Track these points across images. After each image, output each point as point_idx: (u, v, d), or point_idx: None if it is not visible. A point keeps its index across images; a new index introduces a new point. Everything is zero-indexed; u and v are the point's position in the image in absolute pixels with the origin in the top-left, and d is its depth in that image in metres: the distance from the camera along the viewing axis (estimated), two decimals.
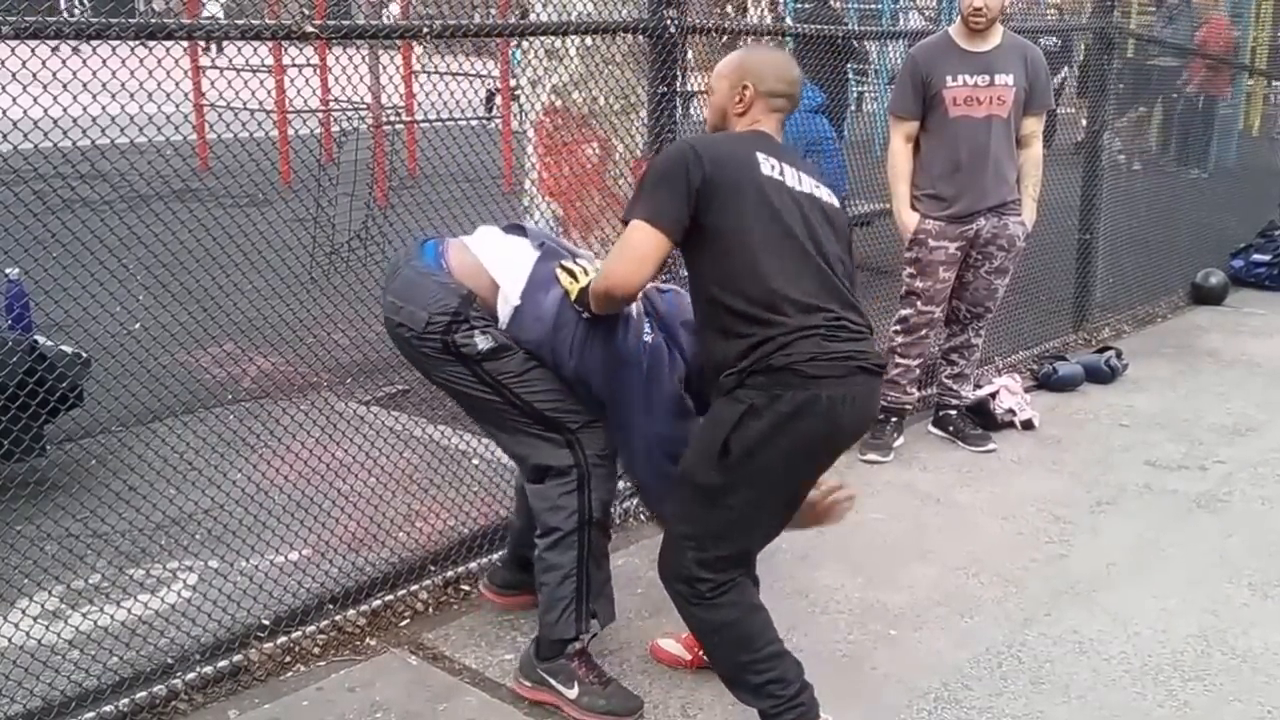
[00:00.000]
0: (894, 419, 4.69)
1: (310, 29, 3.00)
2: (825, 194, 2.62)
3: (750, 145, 2.55)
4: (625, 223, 2.51)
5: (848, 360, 2.43)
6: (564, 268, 2.71)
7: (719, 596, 2.53)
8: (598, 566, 2.84)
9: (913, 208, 4.51)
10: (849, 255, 2.66)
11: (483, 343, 2.69)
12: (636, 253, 2.46)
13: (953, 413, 4.80)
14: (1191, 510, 4.14)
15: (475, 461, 3.84)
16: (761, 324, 2.42)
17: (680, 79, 3.81)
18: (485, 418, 2.86)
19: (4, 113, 2.58)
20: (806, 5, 8.70)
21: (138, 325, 3.33)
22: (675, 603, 2.63)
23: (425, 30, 3.23)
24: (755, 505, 2.49)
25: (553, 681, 2.85)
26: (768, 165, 2.53)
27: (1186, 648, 3.20)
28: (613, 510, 3.01)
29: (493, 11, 9.22)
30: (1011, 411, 4.92)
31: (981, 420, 4.85)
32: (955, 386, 4.78)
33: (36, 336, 3.85)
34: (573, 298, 2.66)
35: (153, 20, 2.73)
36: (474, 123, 4.57)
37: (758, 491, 2.46)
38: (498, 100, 9.97)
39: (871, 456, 4.56)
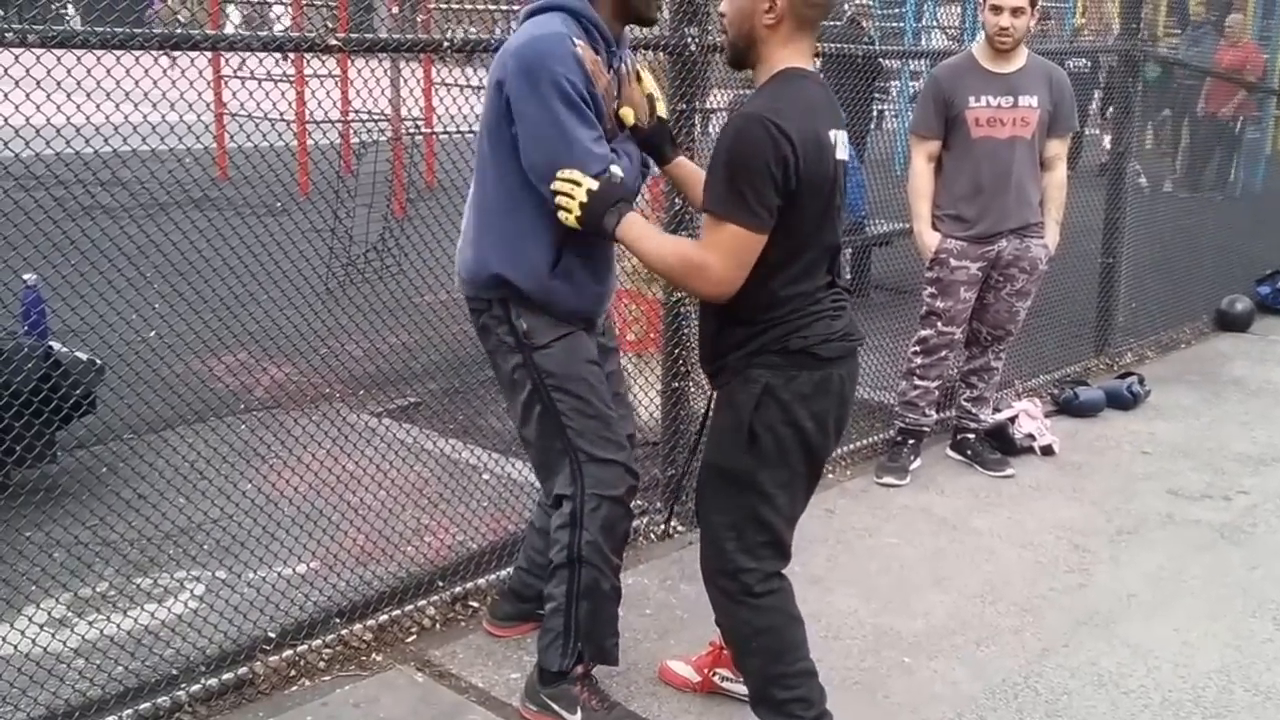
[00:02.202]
0: (911, 441, 4.64)
1: (334, 41, 2.99)
2: (845, 145, 2.48)
3: (822, 116, 2.38)
4: (712, 213, 2.34)
5: (848, 339, 2.50)
6: (558, 191, 2.48)
7: (765, 596, 2.53)
8: (592, 605, 2.78)
9: (934, 228, 4.47)
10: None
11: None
12: (742, 259, 2.33)
13: (971, 436, 4.74)
14: (1215, 541, 4.07)
15: (485, 476, 3.82)
16: (778, 309, 2.42)
17: (700, 96, 3.78)
18: (529, 426, 2.80)
19: (27, 119, 2.58)
20: (835, 24, 8.69)
21: (153, 333, 3.32)
22: (718, 604, 2.61)
23: (447, 44, 3.22)
24: (783, 485, 2.50)
25: (555, 707, 2.83)
26: (834, 144, 2.39)
27: (1208, 683, 3.13)
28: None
29: (514, 25, 9.22)
30: (1031, 436, 4.86)
31: (1000, 445, 4.80)
32: (974, 410, 4.73)
33: (52, 342, 3.85)
34: (575, 216, 2.46)
35: (177, 31, 2.73)
36: None
37: (786, 472, 2.49)
38: None
39: (888, 480, 4.50)
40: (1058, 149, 4.52)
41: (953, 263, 4.42)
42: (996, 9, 4.27)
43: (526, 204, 2.60)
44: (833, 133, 2.41)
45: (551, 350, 2.68)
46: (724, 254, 2.33)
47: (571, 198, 2.45)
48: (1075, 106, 4.62)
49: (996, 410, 4.90)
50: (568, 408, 2.70)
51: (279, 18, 11.77)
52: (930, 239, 4.46)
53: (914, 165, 4.52)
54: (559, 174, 2.47)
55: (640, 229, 2.47)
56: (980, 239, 4.40)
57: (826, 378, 2.45)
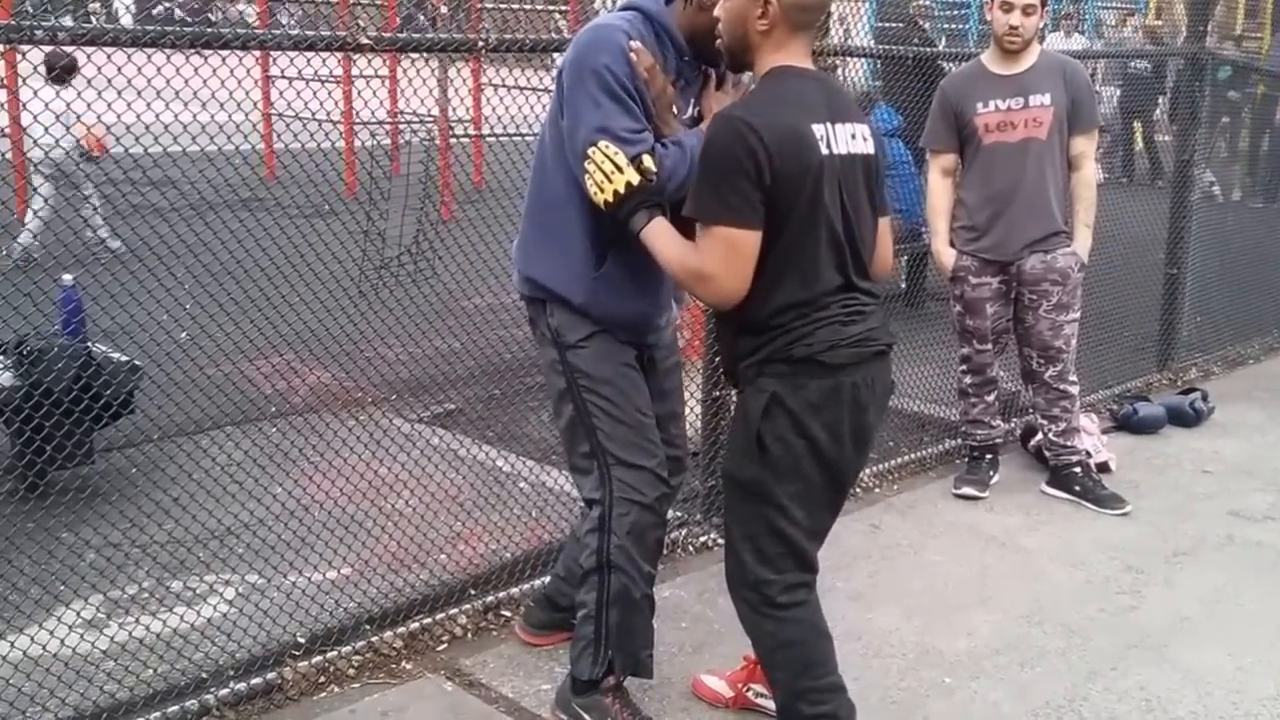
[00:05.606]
0: (989, 456, 4.52)
1: (365, 40, 2.98)
2: (862, 140, 2.44)
3: (805, 111, 2.35)
4: (699, 219, 2.34)
5: (863, 345, 2.41)
6: (598, 166, 2.44)
7: (789, 608, 2.48)
8: (623, 613, 2.73)
9: (951, 242, 4.34)
10: (880, 192, 2.53)
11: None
12: (740, 260, 2.31)
13: (1077, 470, 4.43)
14: (1276, 564, 3.90)
15: (521, 485, 3.79)
16: (781, 316, 2.38)
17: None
18: (561, 424, 2.79)
19: (78, 118, 2.60)
20: (895, 25, 8.54)
21: (184, 335, 3.33)
22: (742, 615, 2.56)
23: (481, 44, 3.20)
24: (797, 497, 2.43)
25: (586, 716, 2.79)
26: (821, 138, 2.34)
27: (1262, 710, 3.00)
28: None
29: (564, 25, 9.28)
30: (1088, 453, 4.69)
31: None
32: (1067, 442, 4.42)
33: (90, 343, 3.88)
34: (605, 199, 2.43)
35: (225, 30, 2.75)
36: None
37: (799, 484, 2.42)
38: None
39: (967, 490, 4.39)
40: (1082, 146, 4.28)
41: (972, 280, 4.29)
42: (1007, 7, 4.11)
43: (572, 202, 2.60)
44: (835, 126, 2.36)
45: (584, 349, 2.68)
46: (720, 257, 2.32)
47: (609, 180, 2.44)
48: (1095, 100, 4.42)
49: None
50: (598, 409, 2.68)
51: (325, 18, 11.89)
52: (946, 258, 4.34)
53: (930, 181, 4.41)
54: (600, 147, 2.45)
55: (662, 234, 2.44)
56: (996, 259, 4.25)
57: (837, 386, 2.37)
